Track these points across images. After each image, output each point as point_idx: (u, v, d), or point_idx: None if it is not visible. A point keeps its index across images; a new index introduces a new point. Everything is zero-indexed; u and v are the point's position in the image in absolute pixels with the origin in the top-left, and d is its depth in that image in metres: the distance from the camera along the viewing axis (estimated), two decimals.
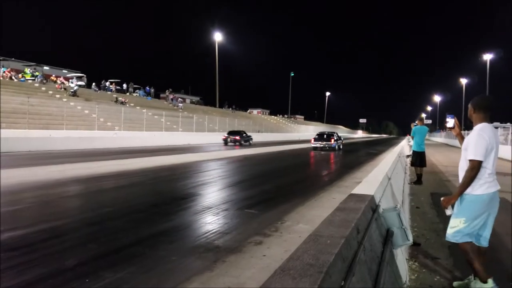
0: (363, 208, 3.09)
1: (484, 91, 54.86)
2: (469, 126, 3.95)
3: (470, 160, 3.34)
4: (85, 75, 46.22)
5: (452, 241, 3.49)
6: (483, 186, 3.35)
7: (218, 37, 62.58)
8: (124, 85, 51.04)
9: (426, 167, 12.19)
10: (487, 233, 3.50)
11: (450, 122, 3.93)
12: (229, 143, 34.75)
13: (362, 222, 2.83)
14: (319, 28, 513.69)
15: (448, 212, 3.49)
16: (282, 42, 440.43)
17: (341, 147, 31.69)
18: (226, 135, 35.90)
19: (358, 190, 4.05)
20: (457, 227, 3.42)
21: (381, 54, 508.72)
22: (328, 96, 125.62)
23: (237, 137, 35.04)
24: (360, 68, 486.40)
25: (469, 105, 3.59)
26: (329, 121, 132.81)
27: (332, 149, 29.35)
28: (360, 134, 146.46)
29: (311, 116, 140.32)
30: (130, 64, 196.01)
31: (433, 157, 22.72)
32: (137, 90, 52.56)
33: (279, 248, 4.93)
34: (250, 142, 37.14)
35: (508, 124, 39.21)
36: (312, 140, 30.54)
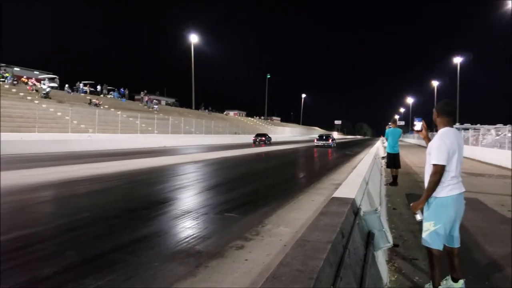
0: (346, 212, 3.14)
1: (455, 93, 56.36)
2: None
3: (433, 165, 3.41)
4: (57, 77, 45.32)
5: (431, 246, 3.51)
6: (446, 189, 3.41)
7: (194, 38, 62.38)
8: (98, 87, 50.29)
9: (401, 168, 12.43)
10: (456, 234, 3.57)
11: (418, 125, 4.00)
12: (257, 142, 47.22)
13: (346, 226, 2.88)
14: (296, 31, 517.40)
15: (418, 217, 3.53)
16: (259, 44, 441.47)
17: (335, 145, 41.48)
18: (255, 137, 49.60)
19: (340, 193, 4.10)
20: (429, 230, 3.47)
21: (356, 56, 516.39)
22: (304, 98, 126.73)
23: (263, 138, 49.08)
24: (335, 71, 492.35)
25: (434, 110, 3.68)
26: (305, 123, 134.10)
27: (329, 146, 39.49)
28: (335, 136, 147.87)
29: (287, 118, 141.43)
30: (104, 65, 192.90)
31: (407, 158, 23.17)
32: (111, 92, 51.87)
33: (261, 252, 4.94)
34: (270, 141, 50.61)
35: (478, 125, 40.42)
36: (315, 140, 41.82)
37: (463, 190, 3.50)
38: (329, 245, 2.21)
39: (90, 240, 5.47)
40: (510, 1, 35.93)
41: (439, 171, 3.37)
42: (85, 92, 46.06)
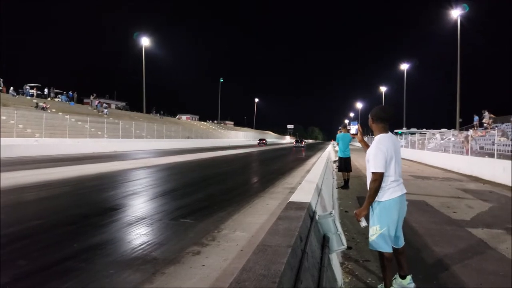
0: (303, 216, 3.21)
1: (403, 98, 58.69)
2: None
3: (372, 173, 3.54)
4: (1, 79, 43.12)
5: (376, 249, 3.63)
6: (388, 192, 3.54)
7: (145, 41, 61.11)
8: (45, 90, 48.36)
9: (352, 172, 12.79)
10: (399, 233, 3.71)
11: (353, 128, 4.14)
12: (260, 144, 74.11)
13: (303, 230, 2.95)
14: (249, 35, 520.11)
15: (362, 224, 3.60)
16: (211, 48, 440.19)
17: (305, 146, 66.80)
18: (259, 140, 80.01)
19: (296, 197, 4.18)
20: (375, 234, 3.58)
21: (306, 61, 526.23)
22: (257, 102, 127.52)
23: (264, 141, 77.81)
24: (288, 75, 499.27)
25: (369, 116, 3.79)
26: (259, 127, 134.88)
27: (302, 147, 61.21)
28: (288, 140, 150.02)
29: (240, 122, 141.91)
30: (52, 68, 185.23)
31: (357, 162, 23.80)
32: (59, 95, 50.03)
33: (218, 257, 4.95)
34: (267, 143, 78.72)
35: (424, 130, 42.32)
36: (294, 142, 69.33)
37: (404, 191, 3.64)
38: (289, 249, 2.27)
39: (42, 248, 5.28)
40: (454, 10, 37.66)
41: (378, 179, 3.49)
42: (32, 95, 44.24)
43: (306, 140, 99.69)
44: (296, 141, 69.02)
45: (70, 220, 7.10)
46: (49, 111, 37.73)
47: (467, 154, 19.33)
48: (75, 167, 17.01)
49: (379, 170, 3.48)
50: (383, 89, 79.37)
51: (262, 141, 77.02)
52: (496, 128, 22.17)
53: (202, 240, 5.75)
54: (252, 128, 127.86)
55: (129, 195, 10.11)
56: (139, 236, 6.04)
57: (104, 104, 54.34)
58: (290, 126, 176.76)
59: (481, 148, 20.58)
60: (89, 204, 8.88)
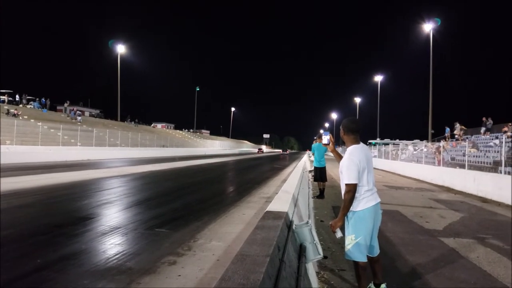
0: (281, 226, 3.23)
1: (377, 109, 59.78)
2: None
3: (346, 184, 3.60)
4: None
5: (352, 259, 3.66)
6: (362, 202, 3.61)
7: (120, 49, 60.41)
8: (17, 96, 47.26)
9: (327, 182, 12.91)
10: (374, 242, 3.78)
11: (325, 139, 4.19)
12: (259, 152, 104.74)
13: (281, 240, 2.97)
14: (225, 46, 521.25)
15: (337, 235, 3.64)
16: (188, 56, 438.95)
17: (289, 153, 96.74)
18: (258, 149, 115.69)
19: (273, 207, 4.19)
20: (350, 243, 3.63)
21: (283, 71, 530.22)
22: (234, 111, 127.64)
23: (261, 150, 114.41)
24: (264, 85, 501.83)
25: (340, 127, 3.87)
26: (235, 136, 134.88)
27: (287, 154, 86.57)
28: (264, 149, 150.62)
29: (217, 131, 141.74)
30: (24, 74, 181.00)
31: (332, 172, 24.05)
32: (31, 102, 48.95)
33: (194, 267, 4.92)
34: (263, 151, 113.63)
35: (397, 140, 43.23)
36: (281, 151, 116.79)
37: (379, 200, 3.72)
38: (268, 259, 2.28)
39: (14, 259, 5.14)
40: (427, 24, 38.41)
41: (352, 190, 3.55)
42: (3, 102, 43.21)
43: (277, 150, 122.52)
44: (283, 151, 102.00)
45: (42, 229, 6.93)
46: (20, 118, 36.87)
47: (439, 164, 19.76)
48: (47, 175, 16.64)
49: (352, 181, 3.54)
50: (357, 100, 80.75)
51: (260, 150, 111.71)
52: (467, 140, 22.76)
53: (178, 250, 5.70)
54: (228, 137, 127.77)
55: (103, 204, 9.94)
56: (113, 246, 5.94)
57: (78, 112, 53.34)
58: (266, 136, 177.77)
59: (452, 159, 21.08)
60: (62, 213, 8.67)
